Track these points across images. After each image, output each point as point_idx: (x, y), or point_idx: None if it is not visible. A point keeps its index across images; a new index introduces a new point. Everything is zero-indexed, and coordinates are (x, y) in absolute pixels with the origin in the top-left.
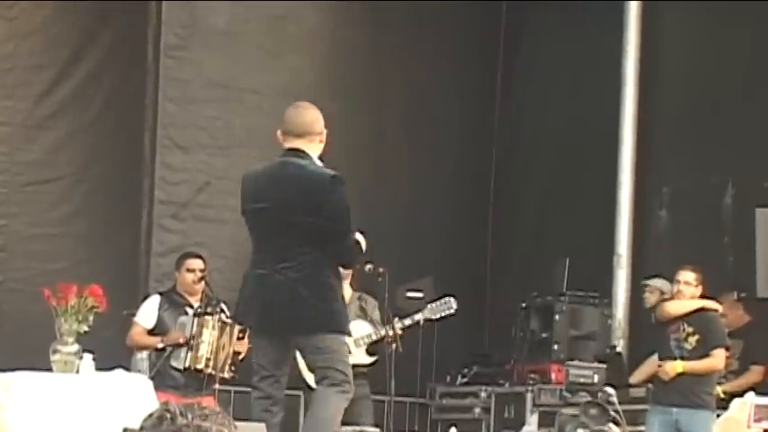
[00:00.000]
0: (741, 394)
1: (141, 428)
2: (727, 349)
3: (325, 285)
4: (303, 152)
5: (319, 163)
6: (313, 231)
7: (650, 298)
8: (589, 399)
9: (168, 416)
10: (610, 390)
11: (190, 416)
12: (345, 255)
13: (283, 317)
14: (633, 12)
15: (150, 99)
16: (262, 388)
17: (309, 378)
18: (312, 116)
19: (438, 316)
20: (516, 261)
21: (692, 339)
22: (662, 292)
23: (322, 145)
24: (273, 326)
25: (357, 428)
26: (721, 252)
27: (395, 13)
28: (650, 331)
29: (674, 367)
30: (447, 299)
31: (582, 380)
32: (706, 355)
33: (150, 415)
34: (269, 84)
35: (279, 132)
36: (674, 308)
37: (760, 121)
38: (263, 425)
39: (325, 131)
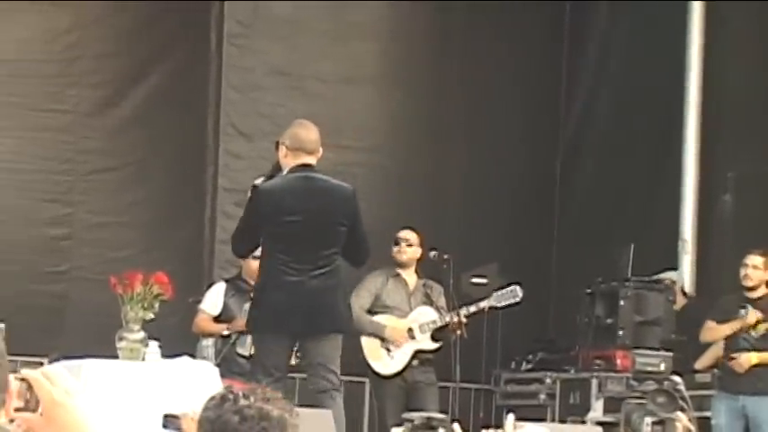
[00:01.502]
0: None
1: (205, 409)
2: None
3: (345, 289)
4: (314, 167)
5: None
6: (341, 239)
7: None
8: (656, 386)
9: (231, 397)
10: (677, 378)
11: (252, 398)
12: (365, 257)
13: (323, 318)
14: (697, 6)
15: (213, 87)
16: (278, 389)
17: (376, 365)
18: (318, 134)
19: (503, 304)
20: (581, 247)
21: (762, 327)
22: (672, 282)
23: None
24: (314, 326)
25: (424, 415)
26: None
27: (459, 4)
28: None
29: (749, 359)
30: (513, 287)
31: (649, 368)
32: None
33: (213, 397)
34: (331, 71)
35: (285, 148)
36: (711, 335)
37: None
38: (329, 412)
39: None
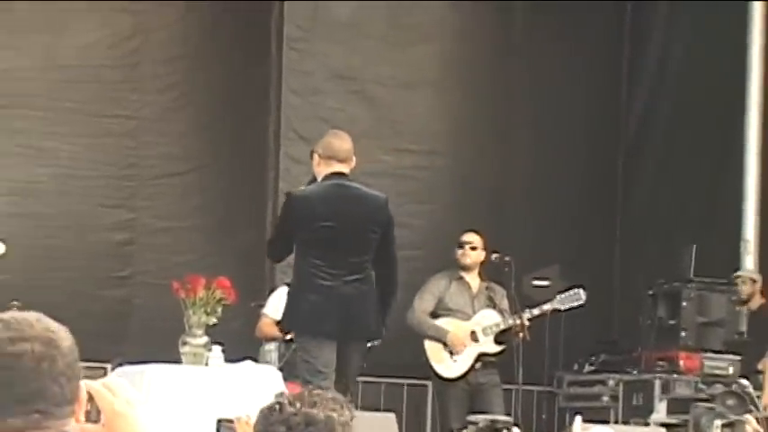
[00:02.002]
0: None
1: (256, 423)
2: None
3: (376, 297)
4: (347, 175)
5: None
6: (373, 246)
7: (744, 289)
8: (725, 389)
9: (277, 407)
10: (744, 381)
11: (298, 404)
12: (396, 267)
13: (357, 324)
14: (758, 6)
15: (274, 91)
16: (327, 387)
17: (440, 368)
18: (351, 144)
19: (567, 307)
20: (644, 248)
21: None
22: (753, 280)
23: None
24: (348, 333)
25: (488, 417)
26: None
27: (520, 4)
28: None
29: None
30: (576, 290)
31: (717, 371)
32: None
33: (264, 408)
34: (392, 75)
35: (318, 157)
36: None
37: None
38: (392, 415)
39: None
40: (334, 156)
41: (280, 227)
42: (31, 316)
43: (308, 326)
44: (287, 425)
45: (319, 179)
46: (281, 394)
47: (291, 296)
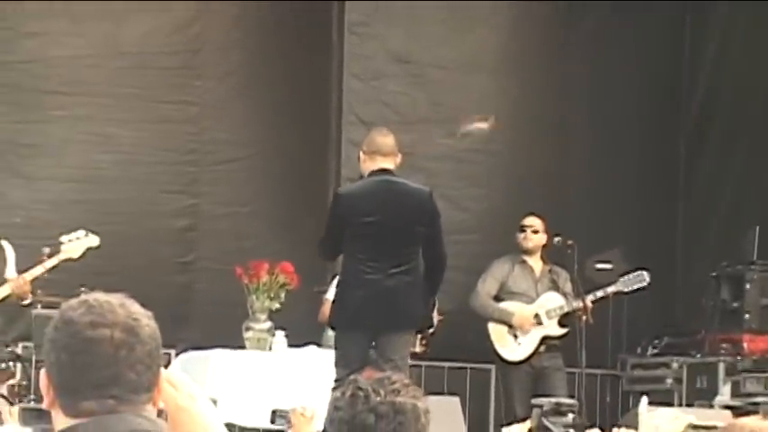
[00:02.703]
0: None
1: (336, 408)
2: None
3: (422, 287)
4: (393, 171)
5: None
6: (420, 239)
7: None
8: None
9: (362, 394)
10: None
11: (382, 392)
12: (444, 258)
13: (401, 315)
14: None
15: (335, 76)
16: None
17: (504, 351)
18: (394, 139)
19: (630, 289)
20: (707, 230)
21: None
22: None
23: (396, 166)
24: (391, 324)
25: (553, 400)
26: None
27: None
28: None
29: None
30: (640, 272)
31: None
32: None
33: (343, 394)
34: (452, 58)
35: (362, 153)
36: None
37: None
38: (456, 398)
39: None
40: (377, 151)
41: (328, 225)
42: (116, 300)
43: (349, 321)
44: (375, 413)
45: (365, 176)
46: (357, 381)
47: (337, 291)
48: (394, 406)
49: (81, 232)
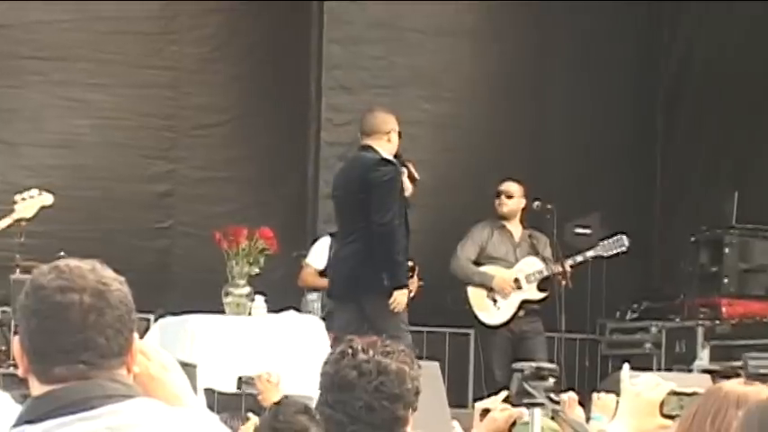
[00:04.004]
0: None
1: (324, 363)
2: None
3: (373, 255)
4: (370, 147)
5: (388, 156)
6: (360, 207)
7: None
8: None
9: (350, 351)
10: None
11: (371, 352)
12: (380, 226)
13: (354, 283)
14: None
15: (315, 41)
16: None
17: (483, 316)
18: (380, 118)
19: (610, 253)
20: (685, 195)
21: None
22: None
23: (390, 144)
24: (350, 292)
25: (534, 364)
26: None
27: None
28: None
29: None
30: (619, 236)
31: None
32: None
33: (333, 351)
34: (431, 23)
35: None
36: None
37: None
38: (436, 363)
39: (393, 131)
40: (361, 130)
41: None
42: (87, 265)
43: (328, 292)
44: (358, 370)
45: None
46: (352, 339)
47: None
48: (378, 365)
49: (34, 191)
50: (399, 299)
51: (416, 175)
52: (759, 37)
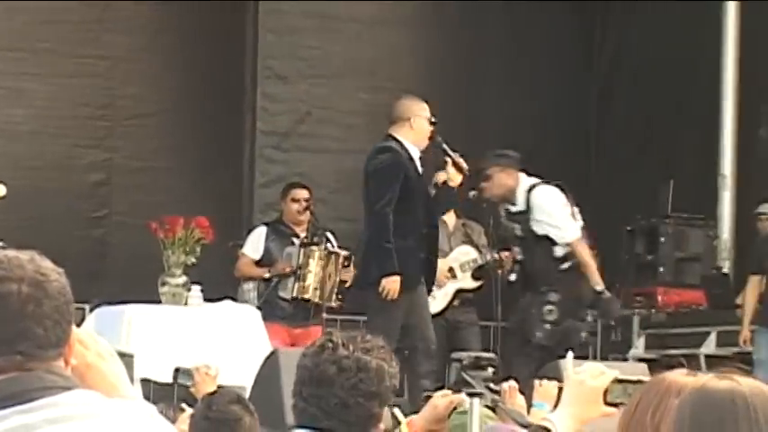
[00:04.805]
0: None
1: (303, 356)
2: None
3: (380, 246)
4: (389, 136)
5: (407, 144)
6: (368, 197)
7: (766, 225)
8: None
9: (330, 345)
10: None
11: (351, 347)
12: (374, 214)
13: (358, 272)
14: None
15: (250, 30)
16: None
17: None
18: (402, 106)
19: None
20: (620, 184)
21: None
22: None
23: (414, 131)
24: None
25: (473, 354)
26: None
27: None
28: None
29: None
30: None
31: None
32: None
33: (313, 344)
34: (368, 13)
35: None
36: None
37: None
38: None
39: (417, 117)
40: (388, 118)
41: None
42: (25, 255)
43: None
44: (338, 366)
45: None
46: (331, 333)
47: None
48: (358, 362)
49: None
50: (388, 286)
51: (463, 164)
52: (693, 25)
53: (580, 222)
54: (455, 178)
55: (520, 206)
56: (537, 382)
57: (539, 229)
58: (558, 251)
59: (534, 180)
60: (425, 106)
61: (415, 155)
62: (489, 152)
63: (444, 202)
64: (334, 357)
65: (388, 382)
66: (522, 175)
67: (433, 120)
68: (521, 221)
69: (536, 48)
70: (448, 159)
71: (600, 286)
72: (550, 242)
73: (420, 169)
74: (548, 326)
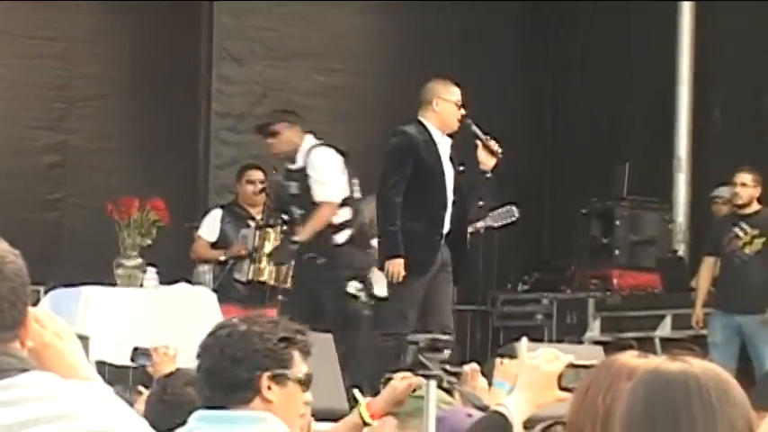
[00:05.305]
0: None
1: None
2: None
3: (384, 230)
4: (415, 119)
5: (430, 127)
6: None
7: (722, 209)
8: None
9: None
10: None
11: (236, 320)
12: (379, 197)
13: None
14: None
15: (205, 12)
16: None
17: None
18: (426, 88)
19: (500, 224)
20: (575, 167)
21: (758, 242)
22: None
23: (437, 113)
24: None
25: (429, 336)
26: None
27: None
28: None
29: None
30: (509, 207)
31: None
32: None
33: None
34: None
35: None
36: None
37: None
38: (329, 335)
39: (439, 100)
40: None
41: None
42: None
43: None
44: (213, 336)
45: None
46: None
47: None
48: (229, 330)
49: None
50: (391, 268)
51: (495, 147)
52: (650, 12)
53: (357, 194)
54: (487, 161)
55: (300, 164)
56: (498, 360)
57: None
58: (337, 218)
59: (317, 141)
60: (453, 90)
61: (439, 138)
62: (276, 110)
63: (481, 186)
64: (214, 329)
65: (258, 346)
66: (308, 136)
67: (460, 103)
68: (298, 179)
69: (490, 31)
70: (478, 143)
71: (298, 237)
72: None
73: (445, 153)
74: None
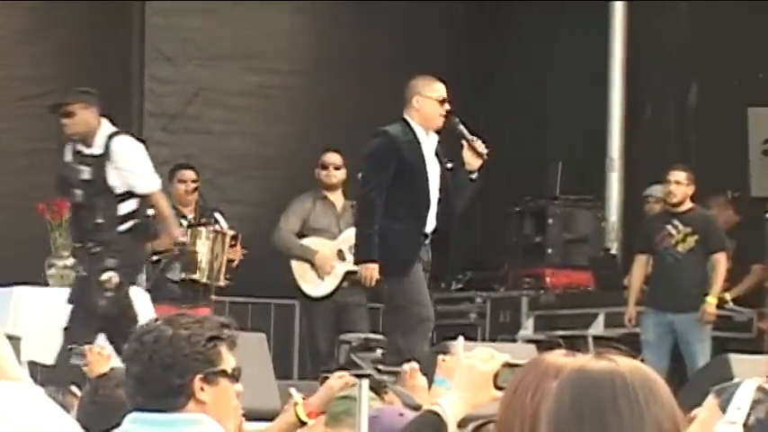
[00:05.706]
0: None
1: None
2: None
3: (360, 233)
4: (399, 118)
5: (414, 125)
6: None
7: (654, 207)
8: None
9: (146, 325)
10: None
11: (159, 322)
12: (361, 197)
13: None
14: None
15: (137, 12)
16: None
17: (306, 288)
18: (409, 85)
19: None
20: (508, 166)
21: (691, 240)
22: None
23: (418, 111)
24: None
25: (362, 336)
26: (715, 152)
27: None
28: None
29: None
30: None
31: None
32: (704, 257)
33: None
34: None
35: None
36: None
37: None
38: (262, 335)
39: (420, 97)
40: None
41: None
42: None
43: None
44: (139, 342)
45: None
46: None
47: None
48: (156, 335)
49: None
50: (365, 273)
51: (480, 148)
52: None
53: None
54: (473, 162)
55: (97, 150)
56: (440, 357)
57: (117, 178)
58: (123, 208)
59: (115, 129)
60: (435, 86)
61: (423, 136)
62: (71, 88)
63: (465, 187)
64: (138, 334)
65: (187, 351)
66: (105, 120)
67: (442, 99)
68: (92, 165)
69: (426, 30)
70: (464, 143)
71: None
72: (116, 197)
73: (429, 151)
74: (109, 294)
